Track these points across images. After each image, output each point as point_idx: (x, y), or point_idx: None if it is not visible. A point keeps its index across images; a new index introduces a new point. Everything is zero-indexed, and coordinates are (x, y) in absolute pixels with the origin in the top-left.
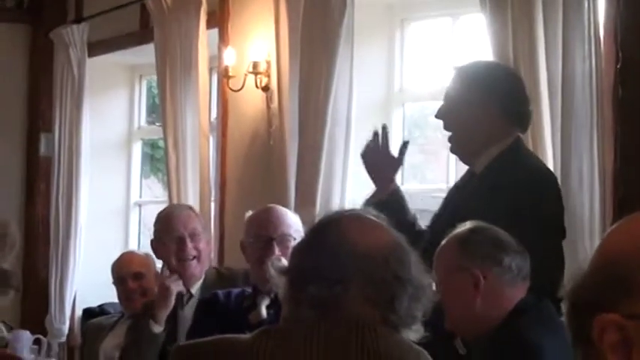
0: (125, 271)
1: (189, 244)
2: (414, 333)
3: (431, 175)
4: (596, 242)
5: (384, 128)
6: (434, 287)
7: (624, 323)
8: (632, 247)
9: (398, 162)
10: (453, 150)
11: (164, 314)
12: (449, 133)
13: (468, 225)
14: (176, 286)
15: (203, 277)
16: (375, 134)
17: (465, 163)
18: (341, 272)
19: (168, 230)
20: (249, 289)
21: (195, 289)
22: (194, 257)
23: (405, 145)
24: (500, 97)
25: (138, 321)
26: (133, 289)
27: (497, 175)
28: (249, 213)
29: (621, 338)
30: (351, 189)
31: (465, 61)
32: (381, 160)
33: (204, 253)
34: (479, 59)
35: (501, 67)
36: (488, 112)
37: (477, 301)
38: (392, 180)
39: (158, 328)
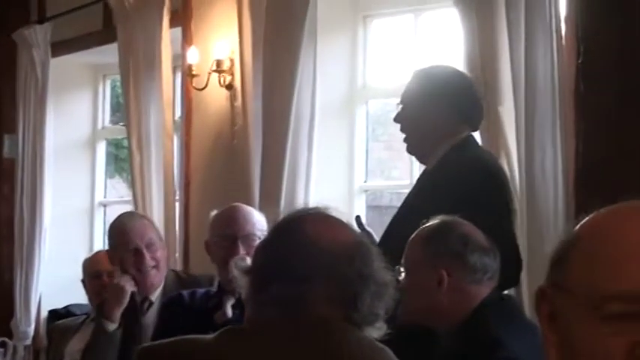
0: (102, 267)
1: (147, 255)
2: (376, 330)
3: (395, 172)
4: (559, 235)
5: (358, 219)
6: (396, 284)
7: (550, 293)
8: (582, 230)
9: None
10: (408, 151)
11: (118, 312)
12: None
13: (438, 220)
14: (130, 286)
15: (162, 282)
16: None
17: (422, 162)
18: (305, 271)
19: (124, 242)
20: (213, 289)
21: (154, 296)
22: (153, 267)
23: (359, 220)
24: (450, 97)
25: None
26: (103, 286)
27: (444, 169)
28: (214, 212)
29: (550, 310)
30: (315, 187)
31: (423, 64)
32: None
33: (162, 261)
34: (435, 63)
35: (453, 70)
36: (440, 112)
37: (440, 298)
38: None
39: (112, 326)
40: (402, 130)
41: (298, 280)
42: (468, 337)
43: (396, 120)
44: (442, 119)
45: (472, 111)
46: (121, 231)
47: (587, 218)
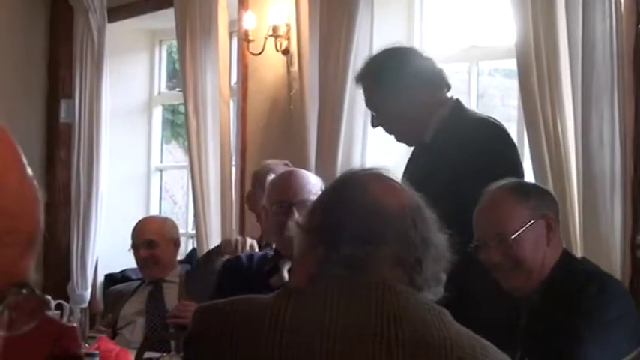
0: (138, 239)
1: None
2: (434, 294)
3: None
4: (617, 201)
5: None
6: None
7: None
8: None
9: None
10: (398, 139)
11: None
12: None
13: (504, 183)
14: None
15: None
16: None
17: (416, 144)
18: (373, 233)
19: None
20: (271, 252)
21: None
22: None
23: None
24: (411, 74)
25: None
26: (145, 258)
27: (446, 137)
28: (271, 177)
29: None
30: (371, 151)
31: (357, 68)
32: None
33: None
34: (367, 57)
35: (391, 50)
36: (411, 94)
37: (547, 246)
38: None
39: None
40: (387, 131)
41: (364, 242)
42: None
43: (374, 126)
44: (417, 101)
45: (435, 74)
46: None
47: None
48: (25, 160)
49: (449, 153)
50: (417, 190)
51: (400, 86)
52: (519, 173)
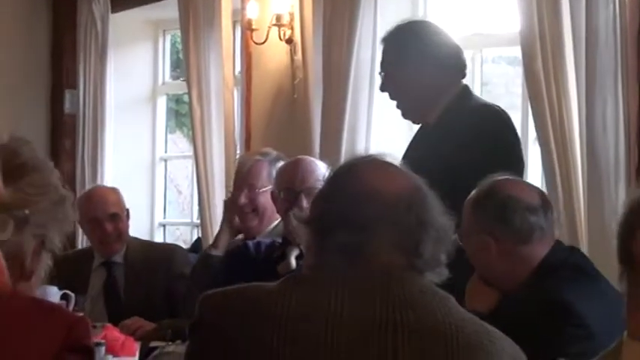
0: (101, 212)
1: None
2: (437, 276)
3: None
4: (622, 185)
5: None
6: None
7: None
8: None
9: None
10: (404, 116)
11: None
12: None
13: (486, 184)
14: None
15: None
16: None
17: (419, 123)
18: (366, 219)
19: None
20: (279, 240)
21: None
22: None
23: None
24: (430, 50)
25: None
26: (110, 233)
27: (450, 121)
28: (280, 164)
29: None
30: (375, 140)
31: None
32: None
33: None
34: (400, 22)
35: (426, 23)
36: (426, 69)
37: (493, 263)
38: None
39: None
40: (392, 97)
41: (358, 228)
42: (529, 300)
43: (382, 89)
44: (429, 75)
45: (454, 59)
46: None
47: None
48: None
49: (450, 137)
50: (414, 171)
51: (421, 59)
52: (520, 161)
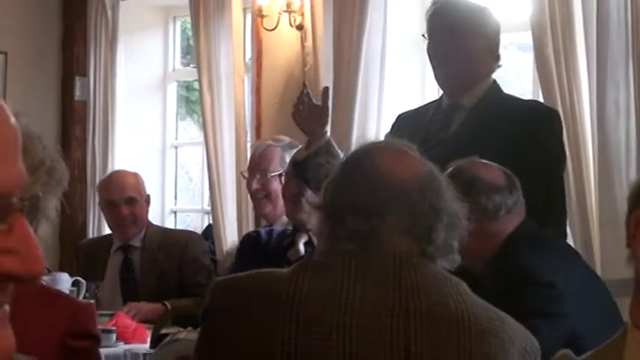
0: (118, 196)
1: None
2: (449, 262)
3: None
4: (633, 170)
5: (305, 87)
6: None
7: None
8: None
9: (324, 109)
10: (442, 84)
11: None
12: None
13: (449, 168)
14: None
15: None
16: (300, 94)
17: (452, 97)
18: (377, 204)
19: None
20: (290, 228)
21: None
22: None
23: (325, 92)
24: (487, 33)
25: None
26: (125, 216)
27: (494, 108)
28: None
29: None
30: (386, 125)
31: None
32: (309, 113)
33: None
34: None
35: (481, 5)
36: (480, 47)
37: (465, 242)
38: (324, 127)
39: None
40: (443, 62)
41: (371, 213)
42: (498, 269)
43: (440, 50)
44: (484, 55)
45: (499, 50)
46: None
47: None
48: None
49: (501, 126)
50: (464, 149)
51: (487, 37)
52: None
